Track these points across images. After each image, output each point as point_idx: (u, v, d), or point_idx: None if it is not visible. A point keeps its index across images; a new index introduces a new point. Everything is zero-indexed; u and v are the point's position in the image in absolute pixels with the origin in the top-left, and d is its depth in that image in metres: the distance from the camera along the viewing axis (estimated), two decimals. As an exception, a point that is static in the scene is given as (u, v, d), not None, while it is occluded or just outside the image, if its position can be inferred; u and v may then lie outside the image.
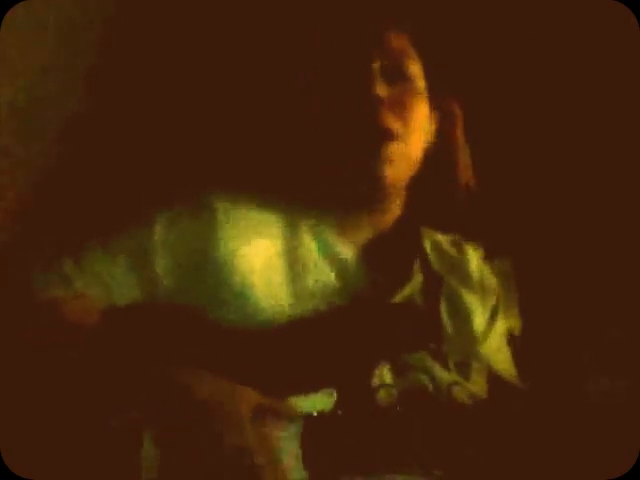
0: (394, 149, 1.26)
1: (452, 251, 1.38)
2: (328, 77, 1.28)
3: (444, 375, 1.22)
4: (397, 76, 1.29)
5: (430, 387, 1.20)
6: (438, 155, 1.38)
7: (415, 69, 1.32)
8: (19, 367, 1.15)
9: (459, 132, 1.39)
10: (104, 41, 1.53)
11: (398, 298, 1.27)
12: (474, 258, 1.39)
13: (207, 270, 1.22)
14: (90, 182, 1.51)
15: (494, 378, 1.29)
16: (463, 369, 1.25)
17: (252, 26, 1.56)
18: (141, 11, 1.55)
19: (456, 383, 1.22)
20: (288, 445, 1.08)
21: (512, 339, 1.44)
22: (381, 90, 1.26)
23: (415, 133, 1.29)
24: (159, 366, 1.10)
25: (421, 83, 1.33)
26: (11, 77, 1.39)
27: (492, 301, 1.36)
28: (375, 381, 1.17)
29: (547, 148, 1.60)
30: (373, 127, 1.25)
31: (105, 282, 1.22)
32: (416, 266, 1.31)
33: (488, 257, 1.45)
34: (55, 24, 1.44)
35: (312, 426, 1.10)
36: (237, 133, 1.49)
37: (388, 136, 1.26)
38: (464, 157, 1.41)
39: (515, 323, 1.44)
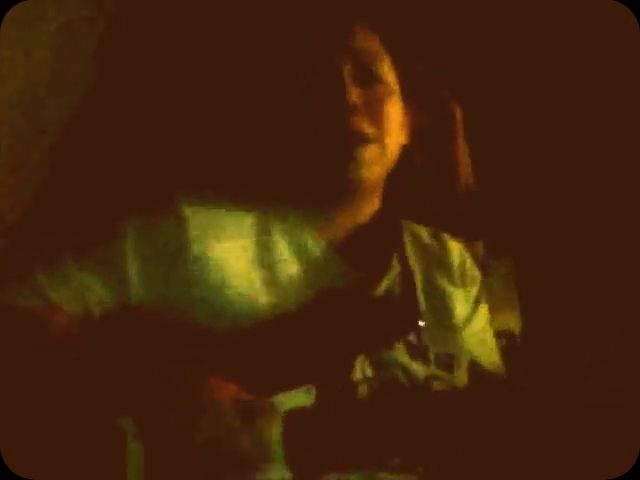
0: (367, 152, 1.26)
1: (432, 243, 1.39)
2: (300, 80, 1.28)
3: (421, 369, 1.22)
4: (369, 78, 1.29)
5: (406, 383, 1.20)
6: (438, 155, 1.38)
7: (387, 70, 1.31)
8: (18, 368, 1.15)
9: (458, 132, 1.39)
10: (104, 41, 1.53)
11: (376, 291, 1.27)
12: (455, 249, 1.39)
13: (180, 273, 1.22)
14: (61, 193, 1.51)
15: (492, 376, 1.30)
16: (444, 360, 1.25)
17: (223, 30, 1.56)
18: (141, 11, 1.56)
19: (435, 377, 1.22)
20: (270, 444, 1.08)
21: (512, 338, 1.45)
22: (353, 95, 1.25)
23: (389, 134, 1.29)
24: (142, 365, 1.11)
25: (394, 83, 1.32)
26: (11, 77, 1.39)
27: (474, 291, 1.36)
28: (356, 375, 1.17)
29: (547, 148, 1.60)
30: (345, 131, 1.25)
31: (79, 293, 1.22)
32: (394, 258, 1.32)
33: (489, 257, 1.45)
34: (55, 24, 1.44)
35: (293, 424, 1.10)
36: (210, 135, 1.49)
37: (361, 140, 1.26)
38: (464, 157, 1.41)
39: (515, 323, 1.44)
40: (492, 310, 1.43)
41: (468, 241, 1.46)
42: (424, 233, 1.39)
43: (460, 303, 1.33)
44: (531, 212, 1.58)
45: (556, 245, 1.57)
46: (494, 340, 1.37)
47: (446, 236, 1.41)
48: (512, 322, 1.46)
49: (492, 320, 1.40)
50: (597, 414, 1.13)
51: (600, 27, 1.54)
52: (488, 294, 1.40)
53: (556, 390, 1.26)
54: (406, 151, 1.34)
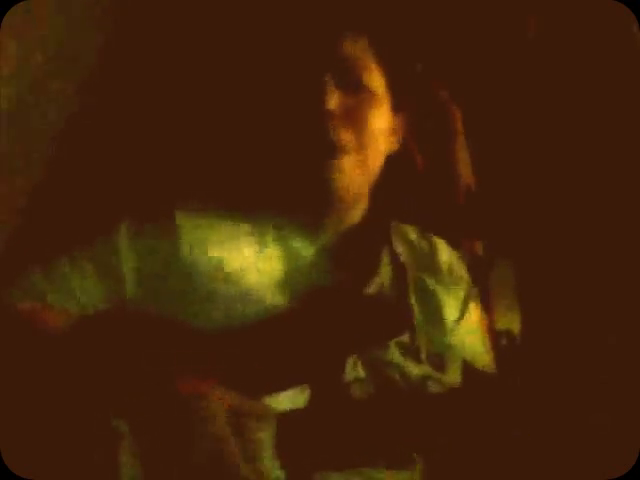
0: (346, 161, 1.26)
1: (420, 242, 1.39)
2: (282, 87, 1.29)
3: (415, 369, 1.23)
4: (353, 86, 1.29)
5: (401, 382, 1.21)
6: (438, 156, 1.38)
7: (373, 78, 1.31)
8: (17, 368, 1.15)
9: (459, 133, 1.40)
10: (104, 41, 1.53)
11: (367, 290, 1.28)
12: (443, 249, 1.39)
13: (173, 277, 1.24)
14: (57, 194, 1.51)
15: (486, 376, 1.30)
16: (436, 360, 1.26)
17: (204, 37, 1.57)
18: (140, 11, 1.56)
19: (429, 377, 1.23)
20: (263, 444, 1.08)
21: (512, 338, 1.45)
22: (333, 102, 1.25)
23: (371, 143, 1.29)
24: (136, 369, 1.11)
25: (383, 92, 1.32)
26: (11, 77, 1.39)
27: (463, 291, 1.36)
28: (348, 375, 1.18)
29: (547, 148, 1.60)
30: (323, 140, 1.25)
31: (74, 295, 1.24)
32: (384, 260, 1.32)
33: (488, 257, 1.45)
34: (55, 24, 1.44)
35: (286, 424, 1.10)
36: (205, 145, 1.50)
37: (338, 148, 1.26)
38: (464, 158, 1.41)
39: (515, 323, 1.44)
40: (492, 310, 1.43)
41: (468, 241, 1.46)
42: (412, 232, 1.40)
43: (449, 304, 1.33)
44: (531, 212, 1.58)
45: (556, 245, 1.57)
46: (487, 341, 1.37)
47: (434, 237, 1.40)
48: (512, 322, 1.45)
49: (493, 320, 1.40)
50: (597, 414, 1.13)
51: (600, 27, 1.55)
52: (484, 294, 1.41)
53: (556, 390, 1.26)
54: (406, 153, 1.34)
